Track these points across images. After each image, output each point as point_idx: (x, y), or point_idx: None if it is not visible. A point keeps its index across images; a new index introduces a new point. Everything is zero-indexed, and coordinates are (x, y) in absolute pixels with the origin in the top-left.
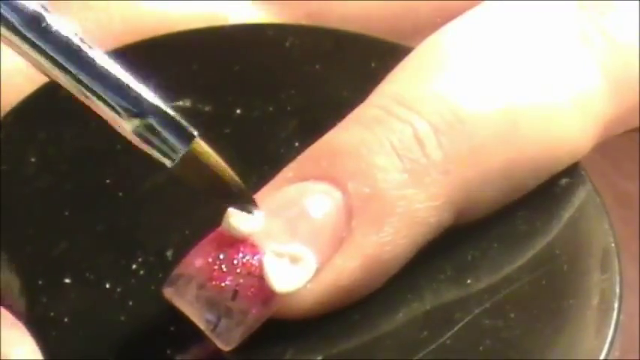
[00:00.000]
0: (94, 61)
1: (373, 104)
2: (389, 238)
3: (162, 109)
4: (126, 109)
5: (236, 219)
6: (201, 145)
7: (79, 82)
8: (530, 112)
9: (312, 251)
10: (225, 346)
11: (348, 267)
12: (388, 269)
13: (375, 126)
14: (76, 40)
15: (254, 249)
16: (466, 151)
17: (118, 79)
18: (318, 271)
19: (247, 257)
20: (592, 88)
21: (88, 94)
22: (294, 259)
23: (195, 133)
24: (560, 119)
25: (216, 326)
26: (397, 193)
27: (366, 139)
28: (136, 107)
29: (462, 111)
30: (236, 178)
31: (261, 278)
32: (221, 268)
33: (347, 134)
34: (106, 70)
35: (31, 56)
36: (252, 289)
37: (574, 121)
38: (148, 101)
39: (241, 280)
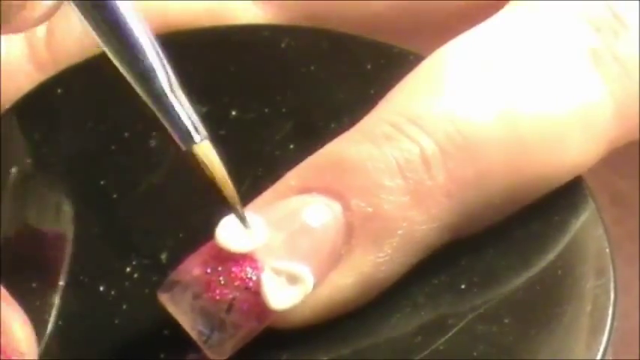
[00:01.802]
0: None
1: (381, 118)
2: (387, 258)
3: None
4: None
5: (226, 238)
6: (203, 152)
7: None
8: (539, 135)
9: (311, 269)
10: (215, 358)
11: (343, 283)
12: (382, 285)
13: (384, 143)
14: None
15: (253, 264)
16: (472, 175)
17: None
18: (314, 287)
19: (246, 272)
20: (601, 112)
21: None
22: (291, 279)
23: (198, 138)
24: (567, 143)
25: (208, 338)
26: (399, 215)
27: (373, 155)
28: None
29: (471, 134)
30: (233, 192)
31: (257, 294)
32: (218, 280)
33: (353, 147)
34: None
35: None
36: (248, 304)
37: (580, 145)
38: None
39: (237, 294)
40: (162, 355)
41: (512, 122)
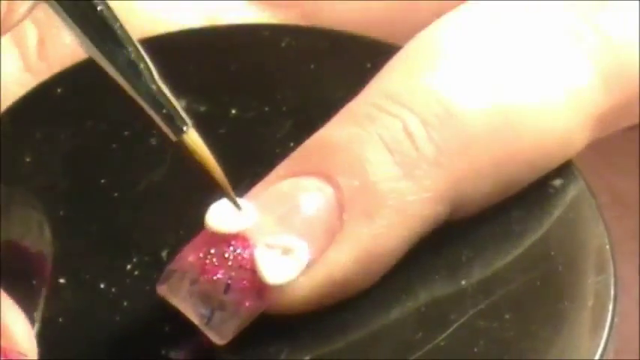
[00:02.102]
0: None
1: (364, 101)
2: (382, 230)
3: (157, 98)
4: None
5: (215, 221)
6: (191, 139)
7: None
8: (521, 107)
9: (305, 243)
10: (219, 340)
11: (342, 260)
12: (383, 263)
13: (366, 122)
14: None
15: (245, 242)
16: (457, 144)
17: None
18: (311, 265)
19: (239, 250)
20: (583, 83)
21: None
22: (285, 251)
23: (184, 127)
24: (551, 114)
25: (209, 320)
26: (388, 186)
27: (356, 134)
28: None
29: (452, 105)
30: (223, 179)
31: (253, 271)
32: (213, 262)
33: (337, 130)
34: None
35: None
36: (245, 282)
37: (565, 116)
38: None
39: (233, 274)
40: (163, 352)
41: (494, 93)
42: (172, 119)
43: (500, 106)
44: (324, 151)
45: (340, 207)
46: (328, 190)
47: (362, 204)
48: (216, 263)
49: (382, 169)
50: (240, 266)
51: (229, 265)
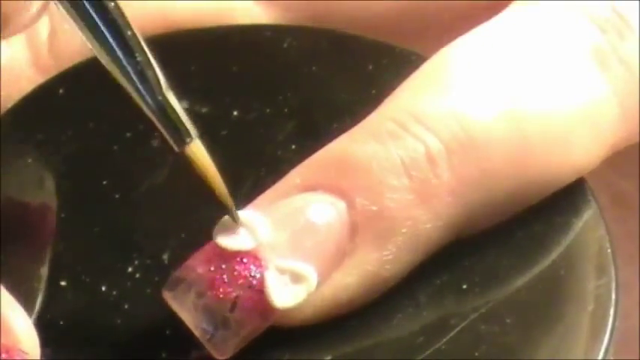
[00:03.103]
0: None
1: (386, 116)
2: (391, 256)
3: (164, 107)
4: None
5: (223, 237)
6: (194, 152)
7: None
8: (544, 134)
9: (314, 268)
10: (218, 356)
11: (347, 282)
12: (386, 284)
13: (389, 141)
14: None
15: (257, 262)
16: (477, 174)
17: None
18: (317, 286)
19: (250, 270)
20: (606, 113)
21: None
22: (295, 277)
23: (188, 140)
24: (572, 144)
25: (212, 336)
26: (404, 214)
27: (378, 154)
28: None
29: (475, 132)
30: (224, 191)
31: (261, 292)
32: (222, 278)
33: (359, 146)
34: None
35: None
36: (252, 302)
37: (585, 146)
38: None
39: (241, 292)
40: (164, 355)
41: (517, 121)
42: (176, 131)
43: (522, 135)
44: (344, 167)
45: (353, 228)
46: (342, 207)
47: (376, 230)
48: (226, 280)
49: (400, 195)
50: (250, 286)
51: (239, 284)
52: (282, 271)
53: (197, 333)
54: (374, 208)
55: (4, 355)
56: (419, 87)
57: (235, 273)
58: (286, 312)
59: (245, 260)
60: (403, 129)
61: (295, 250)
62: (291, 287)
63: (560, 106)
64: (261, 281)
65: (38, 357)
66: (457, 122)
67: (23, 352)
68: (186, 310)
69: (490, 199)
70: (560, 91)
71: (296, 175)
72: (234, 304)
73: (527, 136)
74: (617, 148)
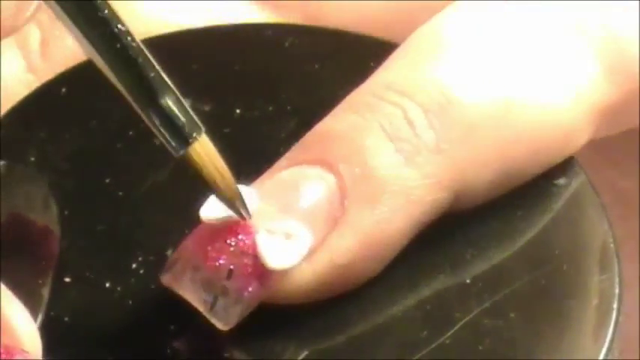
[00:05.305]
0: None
1: (364, 91)
2: (384, 215)
3: (165, 109)
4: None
5: (208, 211)
6: (200, 150)
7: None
8: (523, 97)
9: (306, 227)
10: (223, 326)
11: (344, 245)
12: (386, 249)
13: (366, 111)
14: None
15: (247, 229)
16: (458, 131)
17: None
18: (314, 251)
19: (240, 237)
20: (587, 74)
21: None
22: (287, 236)
23: (194, 135)
24: (554, 105)
25: (213, 306)
26: (389, 172)
27: (356, 123)
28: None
29: (453, 94)
30: (233, 187)
31: (255, 256)
32: (215, 249)
33: (338, 120)
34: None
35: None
36: (247, 268)
37: (568, 107)
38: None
39: (236, 260)
40: (168, 351)
41: (495, 84)
42: (173, 136)
43: (501, 96)
44: (325, 141)
45: (342, 194)
46: (330, 178)
47: (363, 190)
48: (219, 250)
49: (383, 157)
50: (243, 252)
51: (232, 252)
52: (272, 232)
53: (199, 306)
54: (357, 170)
55: (4, 356)
56: (394, 62)
57: (228, 241)
58: (286, 279)
59: (235, 229)
60: (379, 99)
61: (284, 212)
62: (284, 246)
63: (539, 71)
64: (253, 245)
65: (40, 357)
66: (433, 86)
67: (24, 351)
68: (184, 287)
69: (477, 156)
70: (539, 56)
71: (283, 159)
72: (230, 272)
73: (507, 97)
74: (611, 113)
